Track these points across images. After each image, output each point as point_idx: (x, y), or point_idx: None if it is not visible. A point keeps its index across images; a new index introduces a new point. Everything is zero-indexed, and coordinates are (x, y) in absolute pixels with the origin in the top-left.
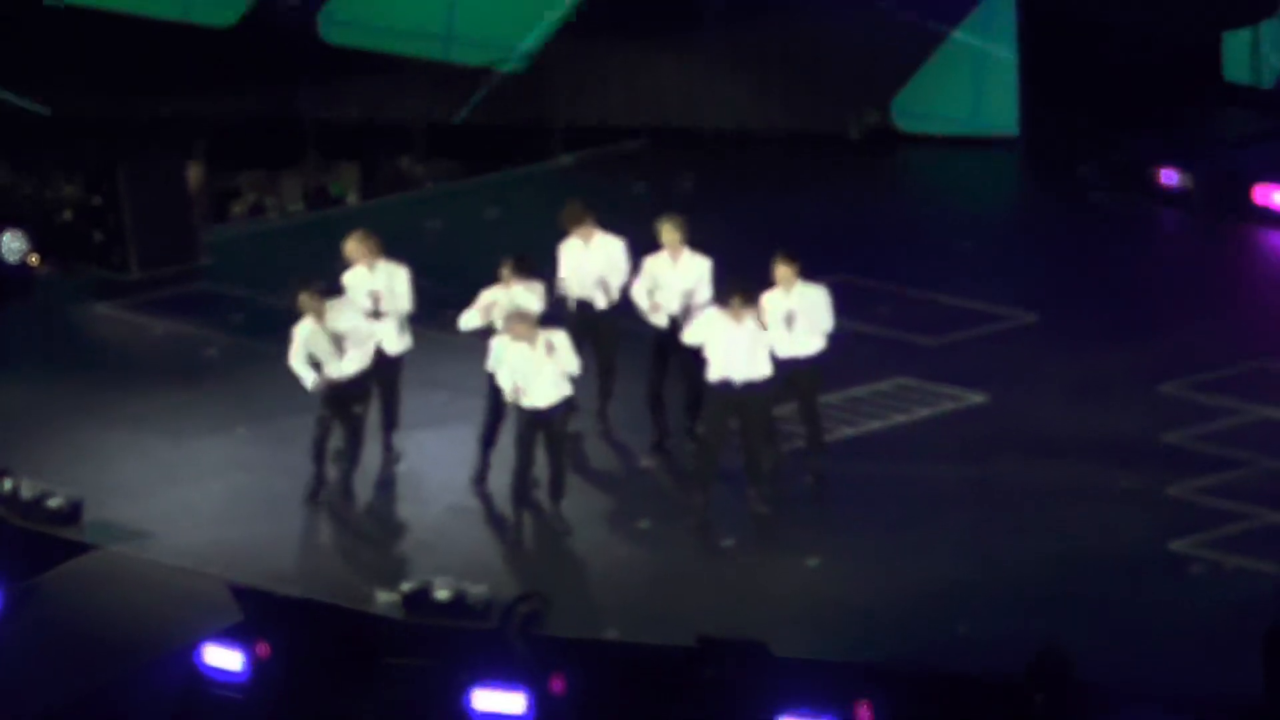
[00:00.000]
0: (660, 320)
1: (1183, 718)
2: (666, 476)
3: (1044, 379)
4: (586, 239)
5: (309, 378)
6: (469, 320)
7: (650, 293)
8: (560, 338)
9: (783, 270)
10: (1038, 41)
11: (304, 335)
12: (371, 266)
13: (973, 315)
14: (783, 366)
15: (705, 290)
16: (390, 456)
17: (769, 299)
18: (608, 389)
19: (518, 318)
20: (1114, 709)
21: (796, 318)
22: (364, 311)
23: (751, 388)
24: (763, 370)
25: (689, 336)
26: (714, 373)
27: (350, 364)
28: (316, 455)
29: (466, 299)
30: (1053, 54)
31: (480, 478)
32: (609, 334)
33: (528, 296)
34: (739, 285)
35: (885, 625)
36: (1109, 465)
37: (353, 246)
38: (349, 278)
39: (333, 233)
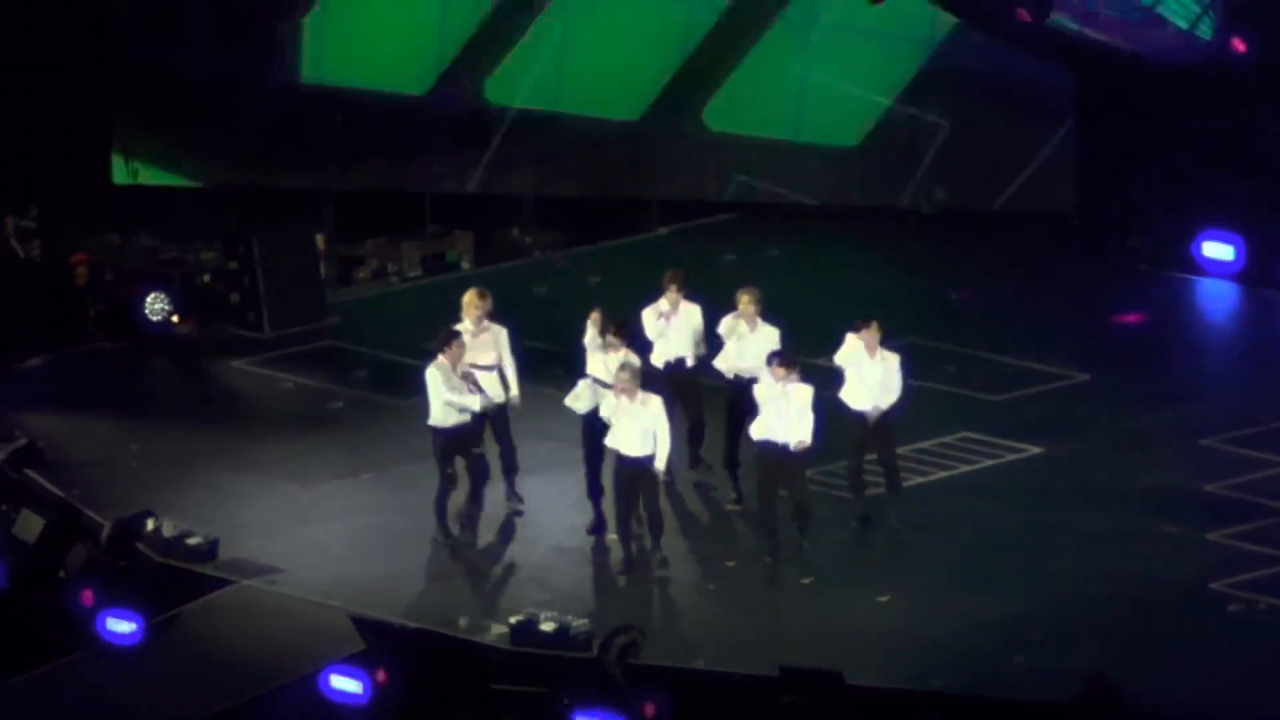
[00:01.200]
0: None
1: None
2: (749, 519)
3: (1095, 433)
4: (674, 305)
5: (473, 400)
6: (577, 401)
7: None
8: (656, 400)
9: (868, 335)
10: (1093, 120)
11: (441, 375)
12: (478, 323)
13: (1031, 374)
14: (860, 418)
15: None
16: (514, 501)
17: (852, 354)
18: (699, 438)
19: (629, 372)
20: None
21: (883, 376)
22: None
23: (790, 452)
24: (801, 435)
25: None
26: (757, 433)
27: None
28: (441, 511)
29: (570, 358)
30: (1108, 132)
31: (597, 528)
32: (696, 391)
33: (632, 357)
34: (785, 355)
35: (949, 656)
36: (1154, 512)
37: (469, 300)
38: (461, 328)
39: (448, 296)
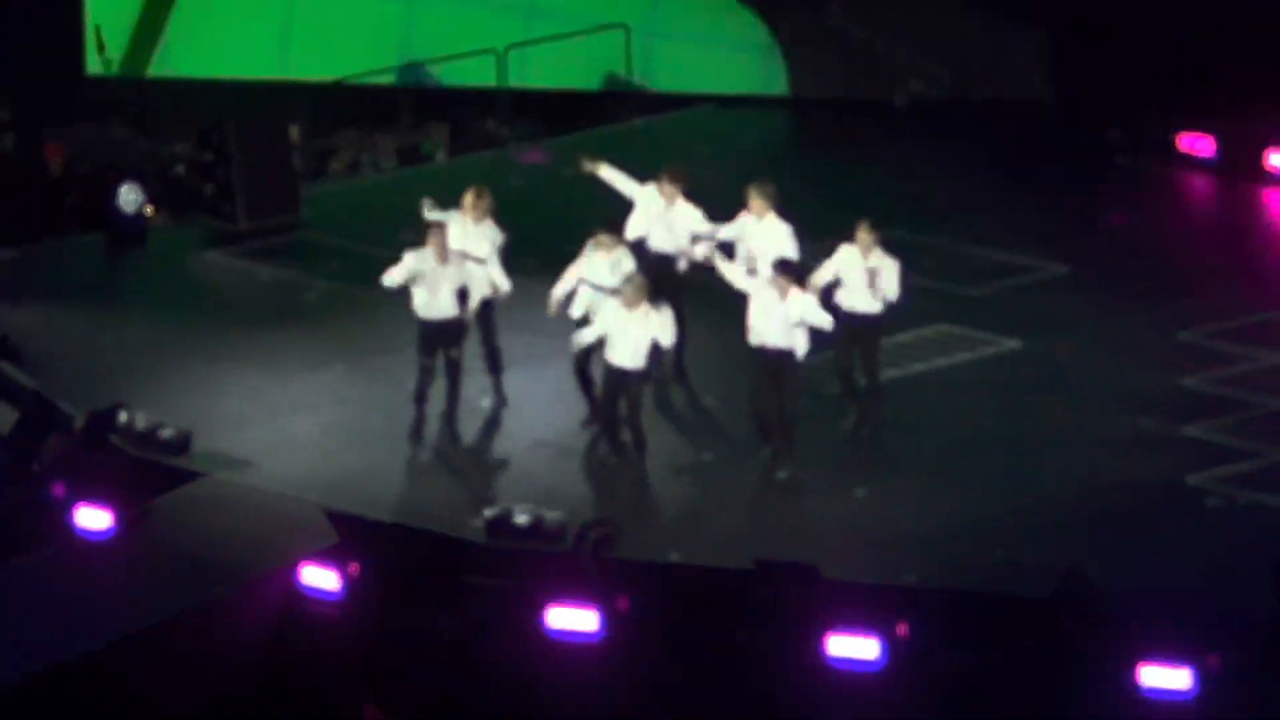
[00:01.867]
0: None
1: (1197, 638)
2: (728, 415)
3: (1072, 327)
4: (671, 200)
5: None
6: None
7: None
8: (665, 313)
9: (864, 236)
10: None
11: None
12: (479, 221)
13: (1009, 267)
14: (848, 319)
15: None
16: (496, 400)
17: (846, 257)
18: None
19: (639, 288)
20: (1133, 629)
21: (873, 278)
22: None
23: (781, 354)
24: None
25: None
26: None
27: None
28: (420, 399)
29: (546, 250)
30: (1085, 25)
31: (591, 419)
32: (682, 286)
33: (628, 260)
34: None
35: (925, 551)
36: (1132, 406)
37: (469, 200)
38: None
39: (423, 188)
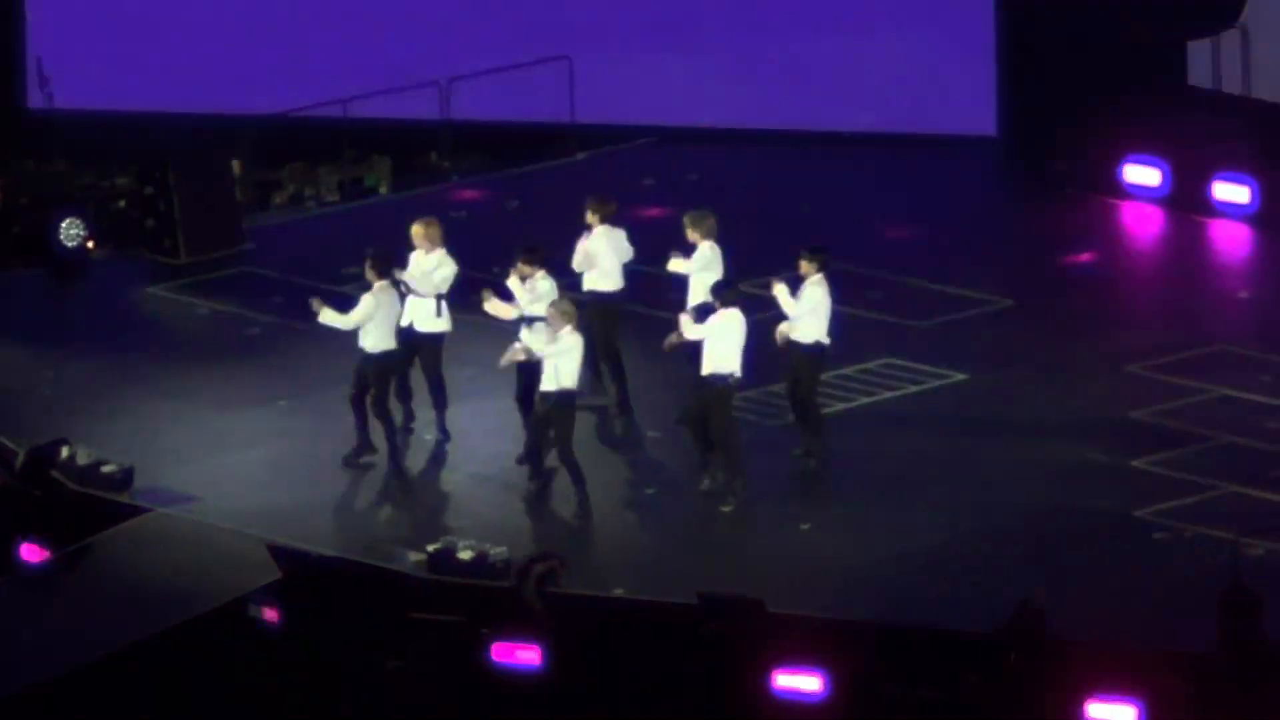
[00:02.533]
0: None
1: (1145, 670)
2: (671, 448)
3: (1020, 359)
4: (604, 228)
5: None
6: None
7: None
8: (568, 336)
9: (805, 265)
10: (1016, 48)
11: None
12: (429, 252)
13: (956, 300)
14: (793, 349)
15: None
16: (440, 436)
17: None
18: (621, 372)
19: (561, 312)
20: (1081, 663)
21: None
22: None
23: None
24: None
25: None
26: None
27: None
28: (361, 425)
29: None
30: (1030, 60)
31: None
32: (615, 318)
33: (550, 285)
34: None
35: (872, 585)
36: (1079, 439)
37: (418, 231)
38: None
39: (366, 221)
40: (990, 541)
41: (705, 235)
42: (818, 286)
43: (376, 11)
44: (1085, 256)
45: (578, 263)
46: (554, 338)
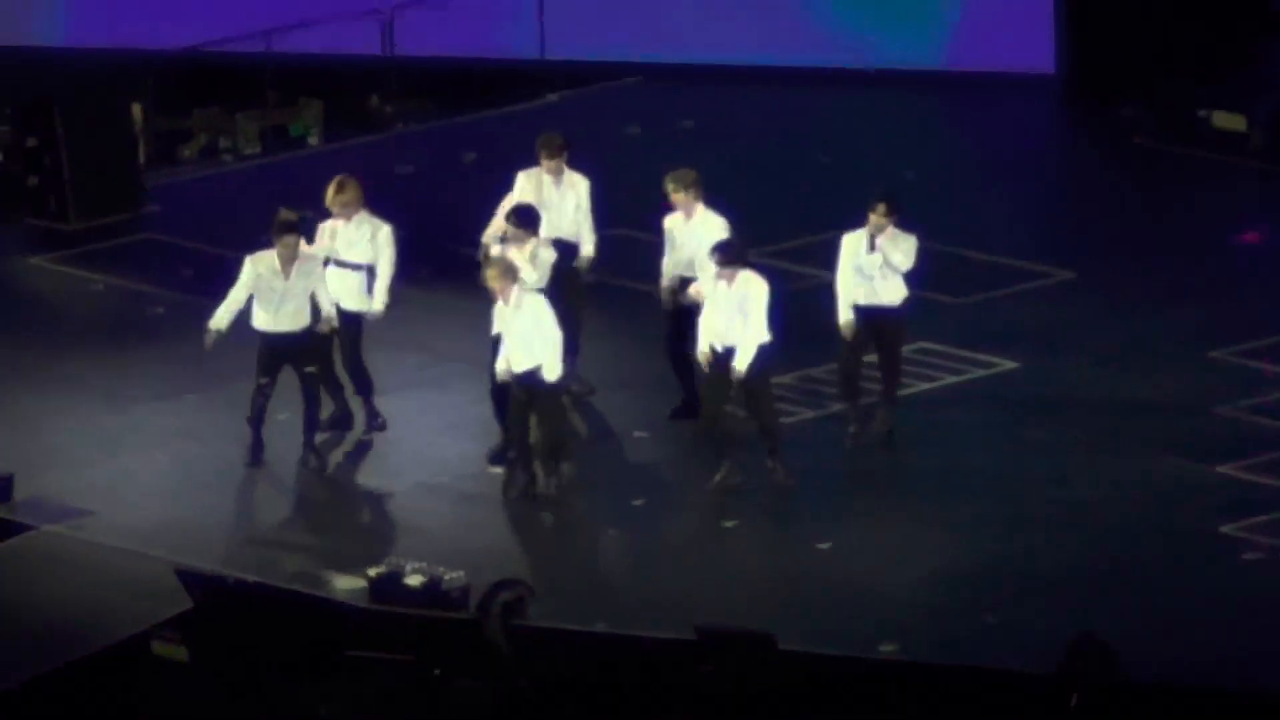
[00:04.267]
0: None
1: (1235, 718)
2: (662, 450)
3: (1081, 344)
4: (556, 177)
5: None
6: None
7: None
8: (533, 299)
9: (876, 219)
10: None
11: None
12: (349, 219)
13: (1004, 272)
14: (867, 315)
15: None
16: (374, 424)
17: (852, 246)
18: (574, 346)
19: (497, 266)
20: (1159, 708)
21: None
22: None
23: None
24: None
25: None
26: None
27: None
28: (256, 421)
29: (440, 252)
30: None
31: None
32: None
33: (547, 252)
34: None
35: (904, 615)
36: (1153, 440)
37: (329, 195)
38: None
39: (293, 178)
40: (1047, 562)
41: (697, 196)
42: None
43: None
44: (1159, 219)
45: None
46: (509, 305)
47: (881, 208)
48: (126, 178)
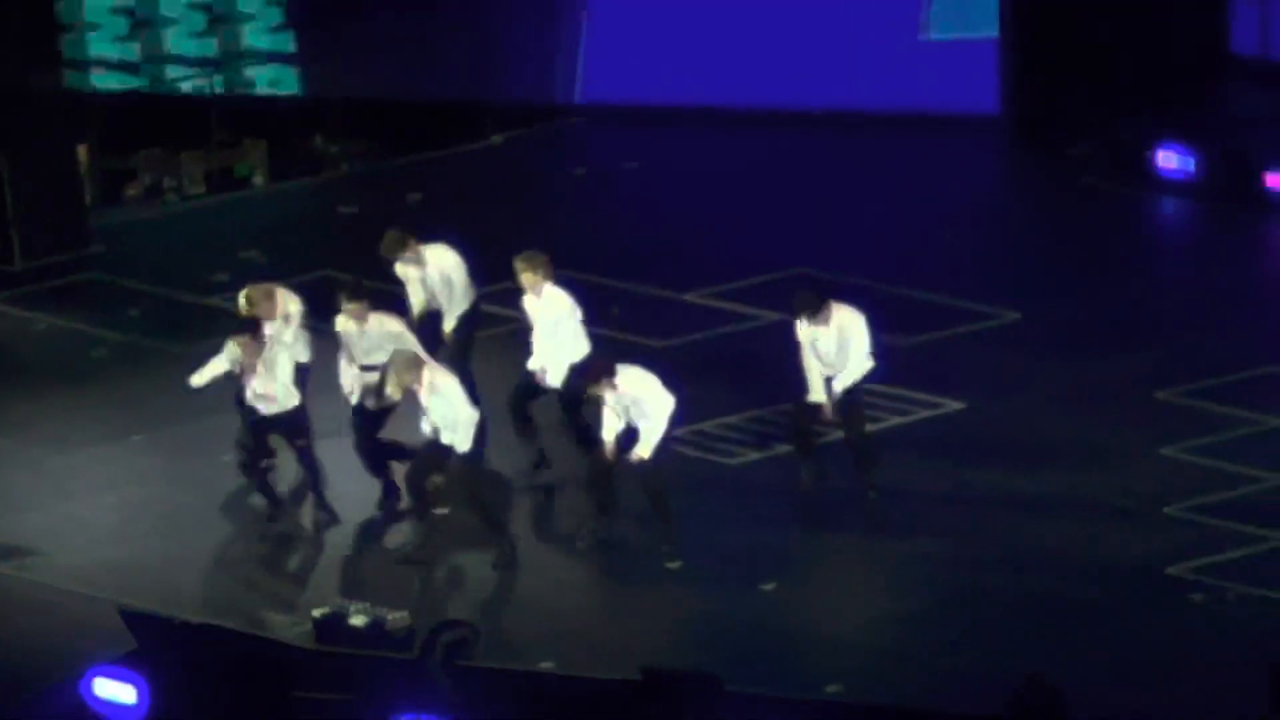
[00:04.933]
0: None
1: None
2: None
3: (1028, 385)
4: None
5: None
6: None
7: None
8: (445, 379)
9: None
10: (1022, 12)
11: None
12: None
13: (949, 313)
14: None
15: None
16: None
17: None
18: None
19: (404, 367)
20: None
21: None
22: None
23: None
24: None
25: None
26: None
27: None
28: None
29: (385, 294)
30: (1040, 26)
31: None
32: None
33: (393, 325)
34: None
35: (851, 656)
36: (1100, 481)
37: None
38: None
39: (238, 217)
40: (991, 603)
41: (547, 276)
42: (853, 314)
43: None
44: (1106, 260)
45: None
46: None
47: (805, 315)
48: (71, 217)
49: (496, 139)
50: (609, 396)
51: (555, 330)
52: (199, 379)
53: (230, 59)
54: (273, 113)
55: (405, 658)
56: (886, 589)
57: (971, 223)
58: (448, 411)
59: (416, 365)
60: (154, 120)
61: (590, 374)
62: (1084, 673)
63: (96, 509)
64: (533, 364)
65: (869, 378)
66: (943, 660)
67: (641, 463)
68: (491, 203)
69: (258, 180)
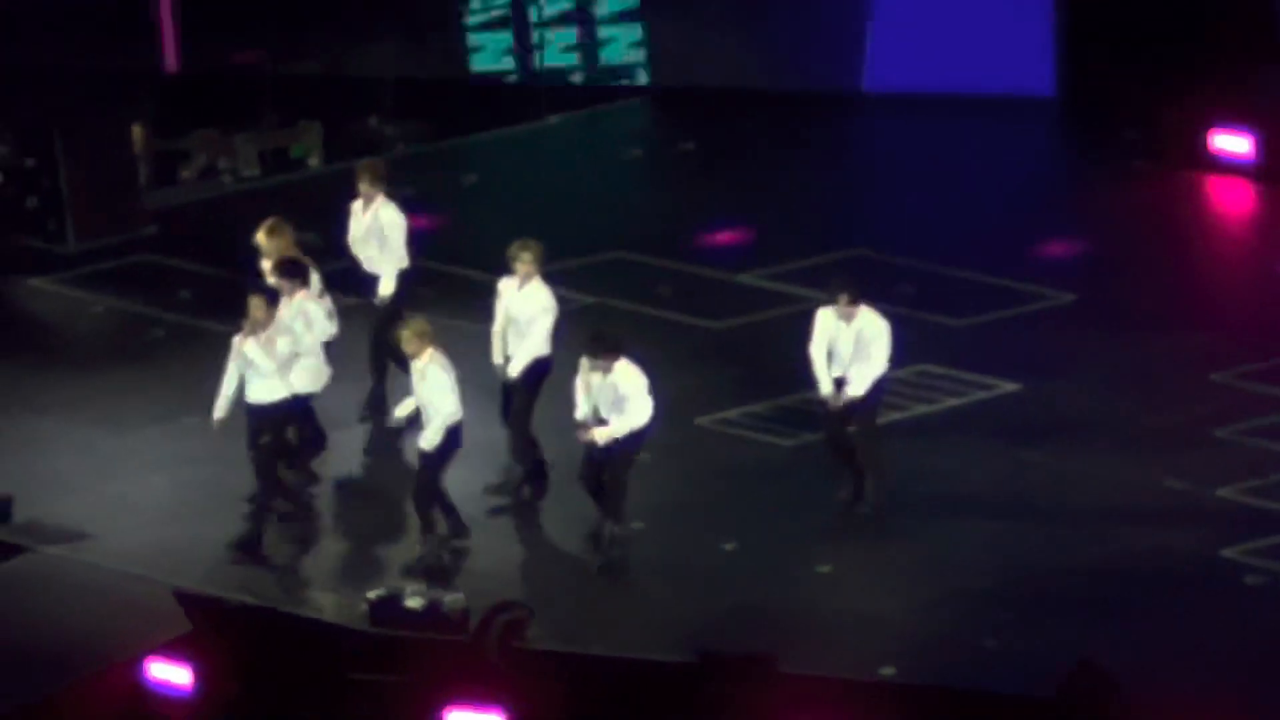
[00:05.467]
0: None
1: None
2: (663, 471)
3: (1082, 366)
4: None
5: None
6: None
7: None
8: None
9: (847, 299)
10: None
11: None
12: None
13: (1004, 294)
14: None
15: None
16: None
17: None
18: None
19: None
20: None
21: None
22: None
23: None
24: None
25: None
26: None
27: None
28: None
29: (442, 275)
30: (1094, 9)
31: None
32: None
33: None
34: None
35: (904, 638)
36: (1153, 463)
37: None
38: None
39: (293, 199)
40: (1047, 585)
41: (539, 268)
42: (879, 321)
43: None
44: (1160, 242)
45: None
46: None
47: (844, 298)
48: (125, 199)
49: (552, 119)
50: (596, 375)
51: (529, 326)
52: (220, 413)
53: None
54: (328, 93)
55: (460, 639)
56: (940, 571)
57: (1027, 205)
58: (430, 399)
59: (422, 338)
60: (208, 100)
61: (604, 343)
62: (1137, 655)
63: (149, 490)
64: (497, 358)
65: (883, 386)
66: (996, 642)
67: (612, 448)
68: (547, 183)
69: (313, 162)
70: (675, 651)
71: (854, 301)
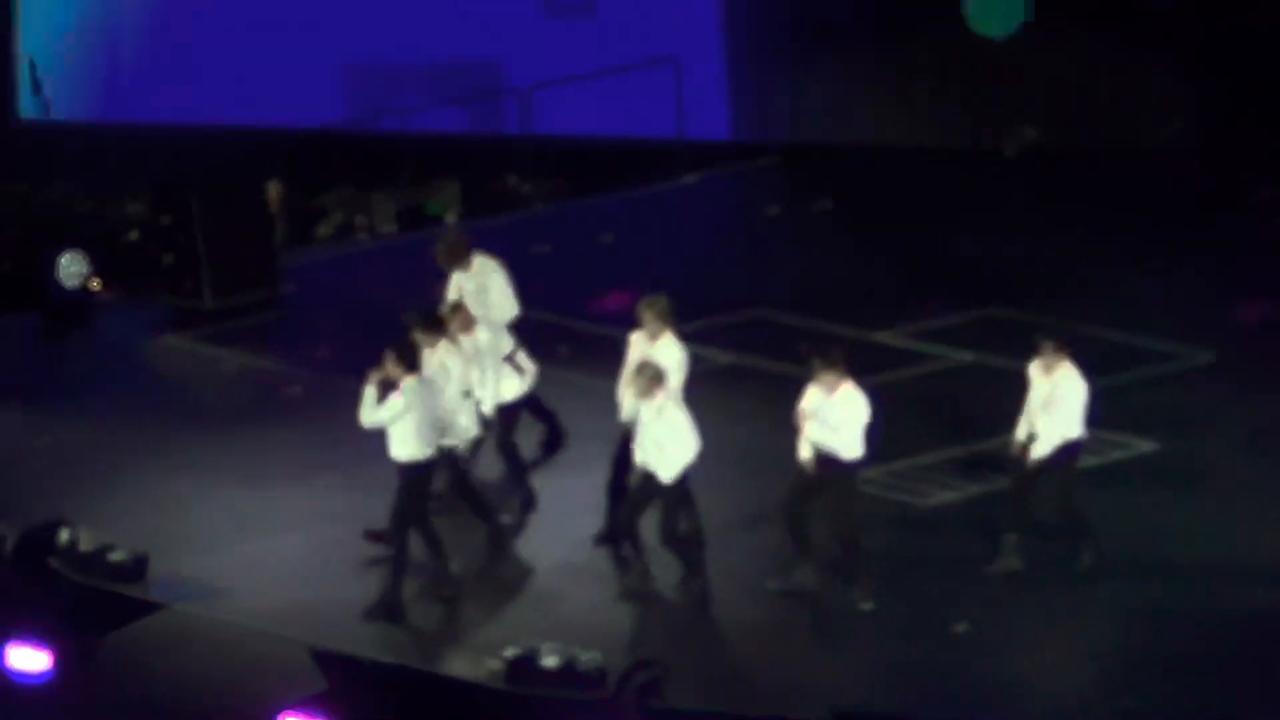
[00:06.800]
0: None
1: None
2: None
3: (1220, 426)
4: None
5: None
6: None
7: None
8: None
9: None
10: (1212, 47)
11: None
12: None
13: (1140, 353)
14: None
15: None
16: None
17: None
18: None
19: (646, 374)
20: None
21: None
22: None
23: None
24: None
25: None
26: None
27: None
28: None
29: (577, 333)
30: (1229, 61)
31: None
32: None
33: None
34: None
35: (1040, 697)
36: None
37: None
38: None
39: (429, 257)
40: (1187, 644)
41: (668, 324)
42: (1076, 379)
43: (442, 4)
44: None
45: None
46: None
47: (1048, 350)
48: (261, 257)
49: (690, 178)
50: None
51: None
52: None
53: None
54: (464, 151)
55: (598, 698)
56: (1077, 630)
57: (1162, 262)
58: (662, 437)
59: (656, 382)
60: (343, 158)
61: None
62: (1277, 715)
63: (285, 548)
64: (622, 412)
65: (1073, 452)
66: (1134, 702)
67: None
68: (684, 241)
69: (450, 218)
70: (811, 711)
71: (1055, 353)
